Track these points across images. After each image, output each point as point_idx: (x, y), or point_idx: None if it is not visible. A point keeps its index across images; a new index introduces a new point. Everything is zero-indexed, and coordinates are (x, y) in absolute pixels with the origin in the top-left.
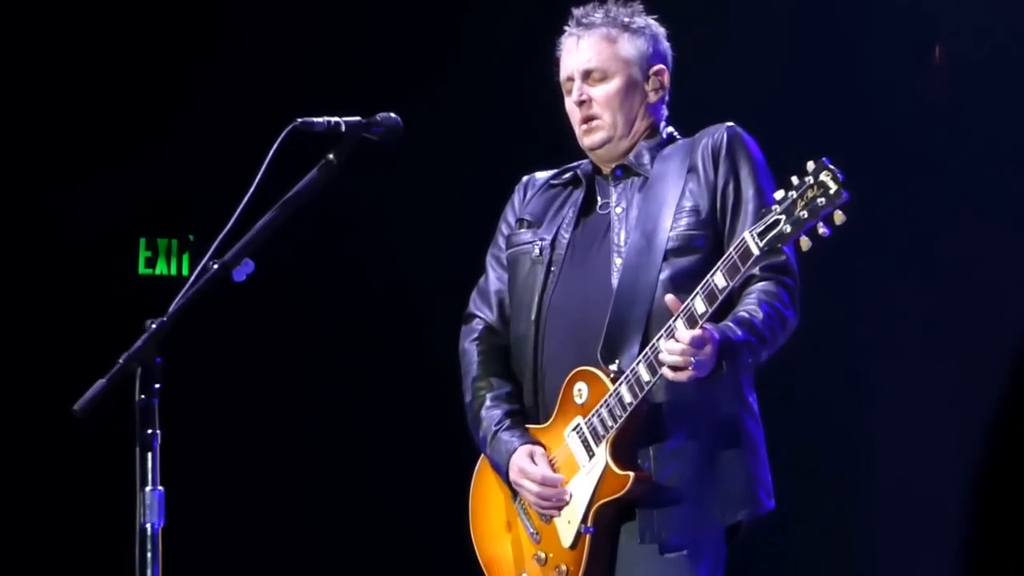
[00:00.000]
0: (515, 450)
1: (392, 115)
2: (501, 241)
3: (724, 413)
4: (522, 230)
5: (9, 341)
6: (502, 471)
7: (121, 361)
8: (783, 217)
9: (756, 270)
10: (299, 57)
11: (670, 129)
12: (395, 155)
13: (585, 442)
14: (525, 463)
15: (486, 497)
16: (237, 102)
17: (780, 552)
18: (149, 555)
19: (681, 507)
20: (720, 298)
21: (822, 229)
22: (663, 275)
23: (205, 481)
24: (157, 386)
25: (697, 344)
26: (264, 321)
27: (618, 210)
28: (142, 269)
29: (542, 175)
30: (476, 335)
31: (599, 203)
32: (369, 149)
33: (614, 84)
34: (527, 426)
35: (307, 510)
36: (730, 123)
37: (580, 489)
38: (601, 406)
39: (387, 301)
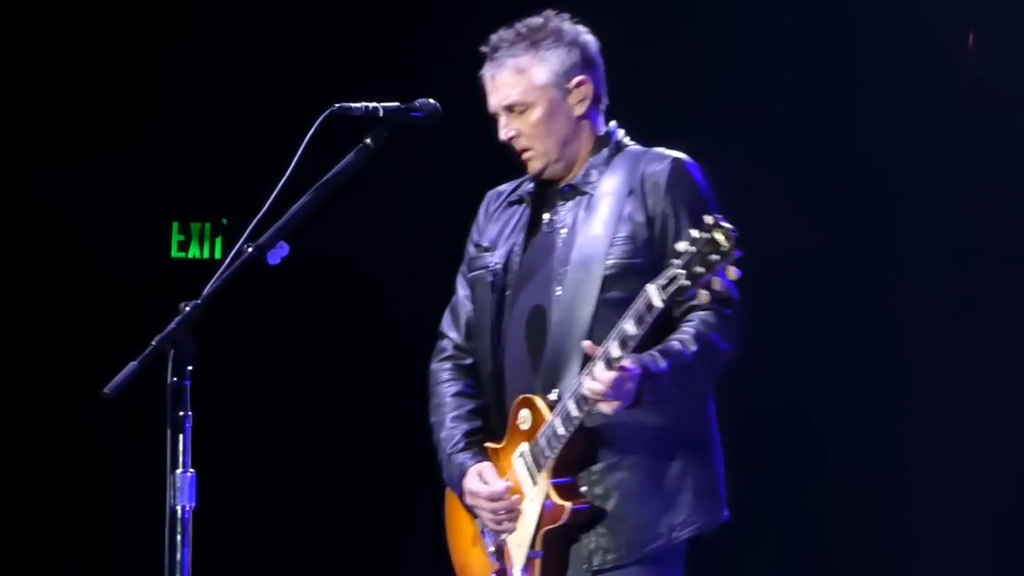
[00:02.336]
0: (466, 472)
1: (431, 101)
2: (466, 264)
3: (673, 431)
4: (482, 254)
5: (43, 325)
6: (457, 493)
7: (153, 343)
8: (683, 272)
9: (695, 300)
10: (335, 41)
11: (620, 134)
12: (425, 141)
13: (529, 469)
14: (474, 484)
15: (458, 506)
16: (273, 86)
17: (812, 540)
18: (179, 537)
19: (629, 529)
20: (631, 345)
21: (718, 284)
22: (599, 305)
23: (235, 463)
24: (189, 368)
25: (616, 385)
26: (294, 304)
27: (563, 232)
28: (175, 252)
29: (504, 189)
30: (443, 355)
31: (546, 220)
32: (402, 134)
33: (536, 114)
34: (488, 444)
35: (335, 492)
36: (675, 154)
37: (528, 514)
38: (540, 435)
39: (415, 287)
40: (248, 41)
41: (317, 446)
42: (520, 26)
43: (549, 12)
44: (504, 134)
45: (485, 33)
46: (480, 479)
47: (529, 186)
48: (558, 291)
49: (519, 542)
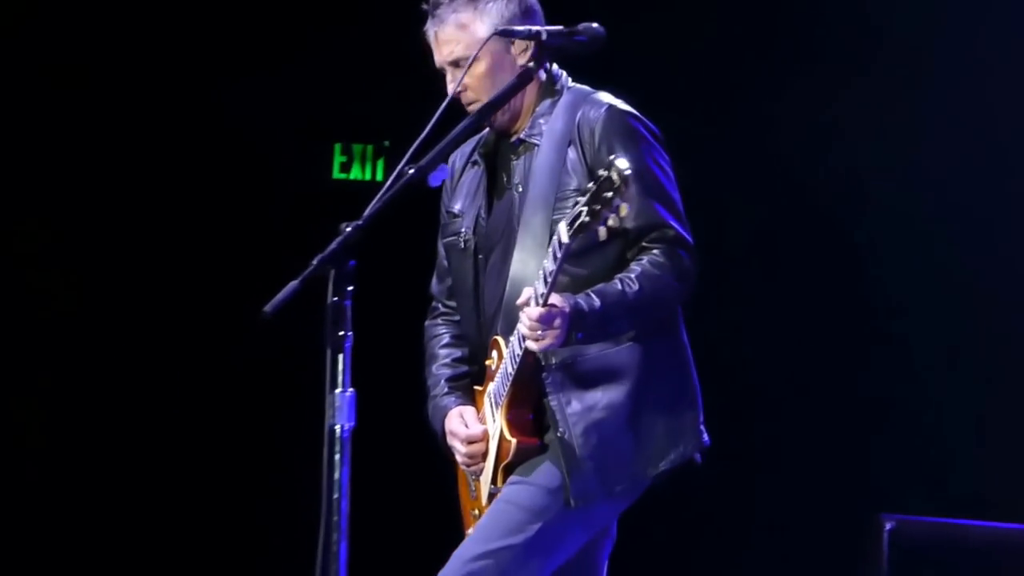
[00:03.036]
0: (447, 414)
1: (594, 25)
2: (440, 229)
3: (637, 370)
4: (452, 220)
5: (206, 245)
6: (439, 436)
7: (314, 263)
8: (585, 209)
9: (644, 241)
10: None
11: (563, 76)
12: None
13: (492, 407)
14: (454, 425)
15: None
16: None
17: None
18: (338, 456)
19: (607, 468)
20: (551, 280)
21: (612, 221)
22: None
23: (394, 383)
24: (350, 288)
25: (545, 320)
26: None
27: (519, 188)
28: (336, 174)
29: (465, 148)
30: (435, 313)
31: (503, 178)
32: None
33: (481, 67)
34: (476, 387)
35: None
36: (613, 101)
37: (490, 451)
38: (498, 375)
39: None
40: None
41: None
42: None
43: None
44: (452, 88)
45: None
46: (461, 420)
47: (483, 146)
48: (517, 248)
49: (485, 479)
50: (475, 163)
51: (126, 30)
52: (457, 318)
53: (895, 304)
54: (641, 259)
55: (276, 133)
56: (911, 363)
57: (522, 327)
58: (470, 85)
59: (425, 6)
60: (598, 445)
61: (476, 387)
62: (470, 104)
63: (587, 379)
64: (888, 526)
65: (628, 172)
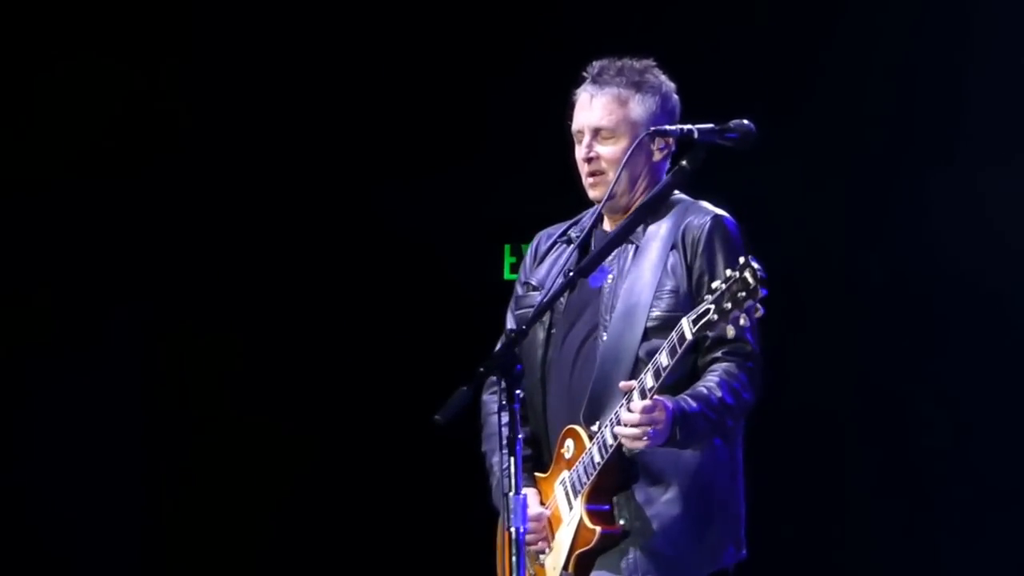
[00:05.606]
0: None
1: (744, 121)
2: (514, 301)
3: (700, 471)
4: (530, 293)
5: (376, 346)
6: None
7: (481, 370)
8: (713, 307)
9: (719, 352)
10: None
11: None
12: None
13: (567, 495)
14: None
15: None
16: None
17: None
18: (514, 559)
19: (666, 560)
20: (664, 375)
21: (744, 321)
22: (642, 350)
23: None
24: (519, 393)
25: (648, 411)
26: None
27: (610, 279)
28: (507, 275)
29: (552, 231)
30: (495, 388)
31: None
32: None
33: (622, 145)
34: (536, 474)
35: None
36: (717, 211)
37: (563, 538)
38: (579, 463)
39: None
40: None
41: None
42: (626, 65)
43: (649, 62)
44: (585, 153)
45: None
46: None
47: (578, 228)
48: (604, 337)
49: (554, 564)
50: (567, 242)
51: (294, 132)
52: (519, 394)
53: None
54: (716, 369)
55: (447, 235)
56: None
57: (624, 419)
58: (604, 157)
59: (587, 71)
60: (657, 537)
61: (537, 473)
62: (593, 174)
63: (652, 473)
64: None
65: (764, 275)
